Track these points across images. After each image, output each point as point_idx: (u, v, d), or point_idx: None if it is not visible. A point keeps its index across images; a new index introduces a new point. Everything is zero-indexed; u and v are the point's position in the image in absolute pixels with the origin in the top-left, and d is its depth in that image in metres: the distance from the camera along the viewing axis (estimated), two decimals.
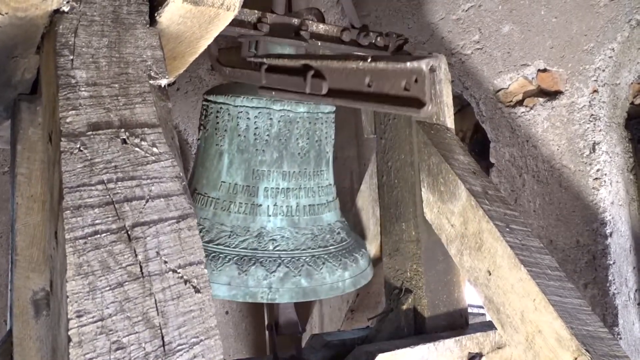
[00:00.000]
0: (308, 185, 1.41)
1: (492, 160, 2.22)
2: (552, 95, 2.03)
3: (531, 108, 2.07)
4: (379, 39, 1.74)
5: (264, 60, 1.21)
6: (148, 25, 0.79)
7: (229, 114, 1.37)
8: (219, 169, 1.38)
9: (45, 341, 1.03)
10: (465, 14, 2.29)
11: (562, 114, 1.98)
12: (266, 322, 1.55)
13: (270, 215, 1.33)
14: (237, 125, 1.36)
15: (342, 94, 0.95)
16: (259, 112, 1.36)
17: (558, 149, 1.97)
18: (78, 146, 0.63)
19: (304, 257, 1.30)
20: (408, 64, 0.80)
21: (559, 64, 1.99)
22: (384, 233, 1.65)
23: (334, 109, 1.55)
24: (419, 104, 0.78)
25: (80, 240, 0.57)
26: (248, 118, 1.36)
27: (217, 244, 1.28)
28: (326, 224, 1.43)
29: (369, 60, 0.87)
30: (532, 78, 2.07)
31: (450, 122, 1.69)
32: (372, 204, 1.78)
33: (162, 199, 0.64)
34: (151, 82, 0.74)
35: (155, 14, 0.81)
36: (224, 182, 1.37)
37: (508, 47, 2.14)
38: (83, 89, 0.68)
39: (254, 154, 1.36)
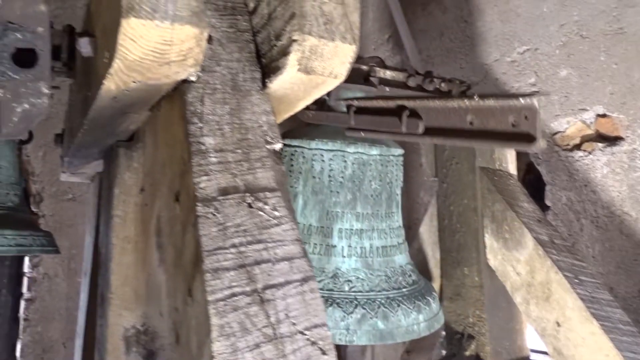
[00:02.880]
0: (380, 226, 1.44)
1: (547, 203, 2.22)
2: (611, 140, 2.03)
3: (590, 153, 2.07)
4: (442, 84, 1.79)
5: (353, 102, 1.26)
6: (261, 91, 0.85)
7: (303, 157, 1.42)
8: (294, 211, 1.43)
9: None
10: (521, 56, 2.32)
11: (623, 160, 1.97)
12: None
13: (344, 257, 1.36)
14: (312, 167, 1.41)
15: (440, 132, 0.98)
16: (334, 155, 1.40)
17: (618, 196, 1.96)
18: (212, 210, 0.69)
19: (379, 299, 1.32)
20: (521, 99, 0.83)
21: (619, 110, 1.99)
22: (445, 276, 1.67)
23: (403, 152, 1.59)
24: (529, 139, 0.81)
25: (220, 302, 0.62)
26: (323, 160, 1.41)
27: None
28: (398, 266, 1.45)
29: (476, 98, 0.90)
30: (591, 122, 2.08)
31: (512, 168, 1.71)
32: (431, 246, 1.80)
33: (286, 262, 0.68)
34: (268, 146, 0.79)
35: (266, 80, 0.87)
36: (298, 223, 1.41)
37: (565, 91, 2.16)
38: (212, 155, 0.74)
39: (328, 195, 1.40)
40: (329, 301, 1.29)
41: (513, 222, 1.51)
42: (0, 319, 2.46)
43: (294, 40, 0.80)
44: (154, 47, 0.71)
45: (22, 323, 2.57)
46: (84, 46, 0.86)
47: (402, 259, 1.50)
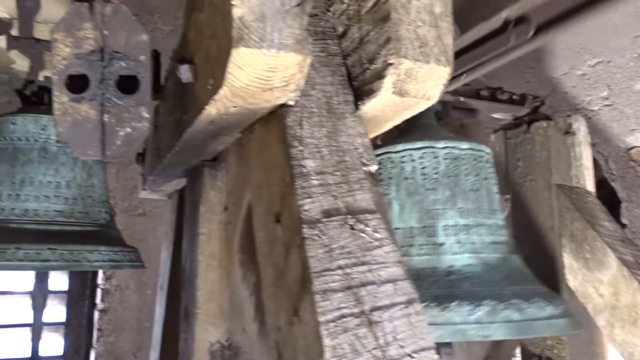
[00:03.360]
0: (487, 222, 1.36)
1: (623, 220, 2.13)
2: None
3: None
4: (514, 97, 1.77)
5: None
6: (354, 114, 0.87)
7: (391, 162, 1.41)
8: (390, 218, 1.38)
9: None
10: (592, 69, 2.25)
11: None
12: None
13: (455, 254, 1.30)
14: (402, 169, 1.39)
15: (553, 22, 0.92)
16: (424, 152, 1.37)
17: None
18: (317, 232, 0.70)
19: (506, 292, 1.22)
20: None
21: None
22: None
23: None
24: None
25: (331, 324, 0.63)
26: (413, 160, 1.38)
27: None
28: (515, 265, 1.36)
29: None
30: None
31: (590, 186, 1.66)
32: None
33: (390, 284, 0.69)
34: (364, 168, 0.80)
35: (359, 102, 0.88)
36: (397, 228, 1.36)
37: None
38: (313, 177, 0.75)
39: (425, 194, 1.36)
40: (450, 297, 1.19)
41: (594, 242, 1.46)
42: (82, 329, 2.58)
43: (390, 64, 0.81)
44: (260, 74, 0.74)
45: (95, 333, 2.68)
46: (184, 73, 0.91)
47: (516, 258, 1.40)
